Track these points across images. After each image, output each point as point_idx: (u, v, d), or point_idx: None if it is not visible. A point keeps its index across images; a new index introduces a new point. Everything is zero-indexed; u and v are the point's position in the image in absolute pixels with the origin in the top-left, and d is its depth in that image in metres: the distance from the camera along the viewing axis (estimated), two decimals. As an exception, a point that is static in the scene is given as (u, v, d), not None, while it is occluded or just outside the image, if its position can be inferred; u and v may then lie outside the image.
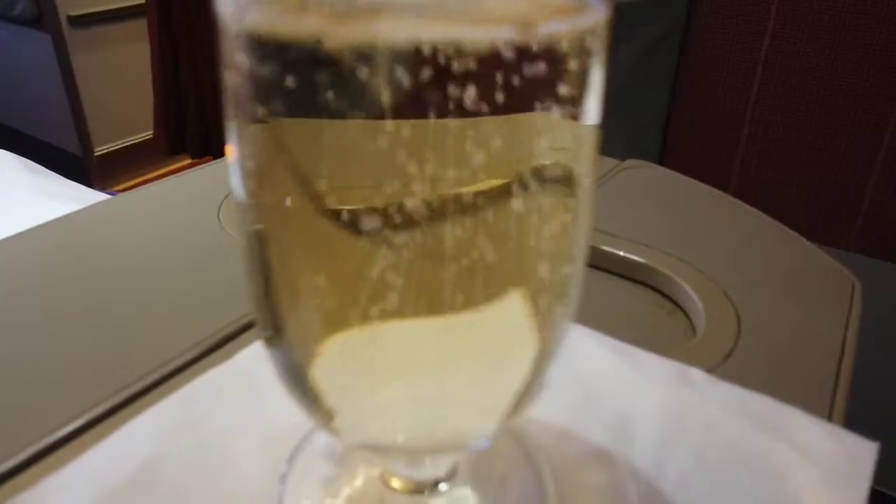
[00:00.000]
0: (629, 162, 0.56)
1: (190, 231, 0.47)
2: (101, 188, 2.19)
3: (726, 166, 1.21)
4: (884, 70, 1.03)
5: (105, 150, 2.34)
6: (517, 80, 0.16)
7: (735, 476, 0.28)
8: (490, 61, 0.15)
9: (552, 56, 0.16)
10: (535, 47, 0.16)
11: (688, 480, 0.28)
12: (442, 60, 0.15)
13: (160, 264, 0.43)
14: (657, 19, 1.16)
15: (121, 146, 2.37)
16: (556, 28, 0.16)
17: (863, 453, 0.29)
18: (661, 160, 1.25)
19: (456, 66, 0.15)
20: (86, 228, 0.47)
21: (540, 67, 0.16)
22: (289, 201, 0.18)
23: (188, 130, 1.86)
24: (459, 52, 0.15)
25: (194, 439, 0.29)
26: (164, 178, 0.56)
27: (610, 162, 0.56)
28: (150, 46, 1.73)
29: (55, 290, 0.40)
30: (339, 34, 0.15)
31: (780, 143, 1.15)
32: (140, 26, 2.26)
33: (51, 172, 0.96)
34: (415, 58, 0.15)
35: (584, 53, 0.17)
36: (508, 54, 0.15)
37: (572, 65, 0.17)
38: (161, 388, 0.33)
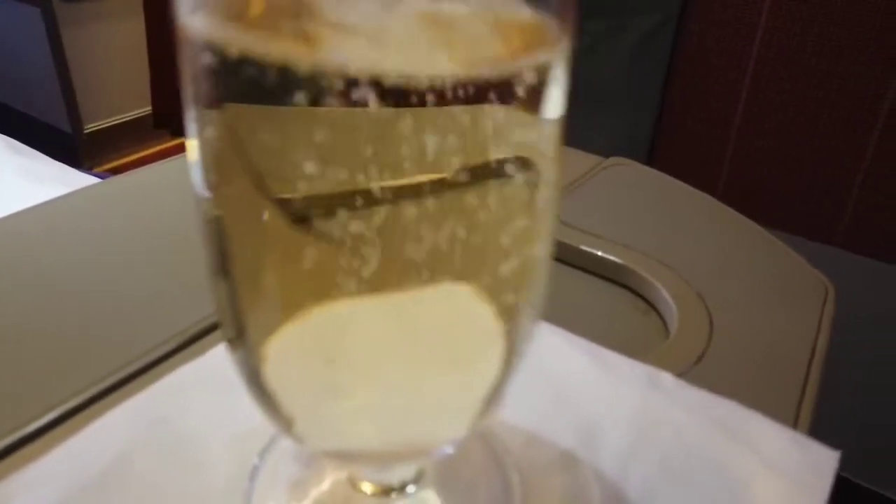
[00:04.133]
0: (612, 160, 0.56)
1: (169, 221, 0.47)
2: (91, 166, 2.18)
3: (717, 160, 1.21)
4: (875, 65, 1.03)
5: (95, 128, 2.32)
6: (474, 99, 0.16)
7: (698, 482, 0.29)
8: (445, 92, 0.15)
9: (510, 84, 0.16)
10: (492, 80, 0.16)
11: (652, 485, 0.29)
12: (397, 88, 0.15)
13: (137, 255, 0.43)
14: (652, 8, 1.15)
15: (111, 124, 2.35)
16: (514, 66, 0.16)
17: (824, 462, 0.29)
18: (652, 153, 1.25)
19: (412, 92, 0.15)
20: (62, 217, 0.47)
21: (499, 88, 0.16)
22: (240, 191, 0.18)
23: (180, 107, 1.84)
24: (416, 85, 0.15)
25: (166, 435, 0.29)
26: (148, 165, 0.55)
27: (593, 159, 0.56)
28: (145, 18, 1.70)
29: (26, 279, 0.40)
30: (295, 57, 0.15)
31: (771, 139, 1.15)
32: (131, 0, 2.23)
33: (37, 153, 0.95)
34: (371, 84, 0.15)
35: (542, 82, 0.17)
36: (461, 89, 0.15)
37: (531, 86, 0.17)
38: (135, 383, 0.33)
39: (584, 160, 0.56)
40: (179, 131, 1.78)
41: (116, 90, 2.33)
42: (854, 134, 1.08)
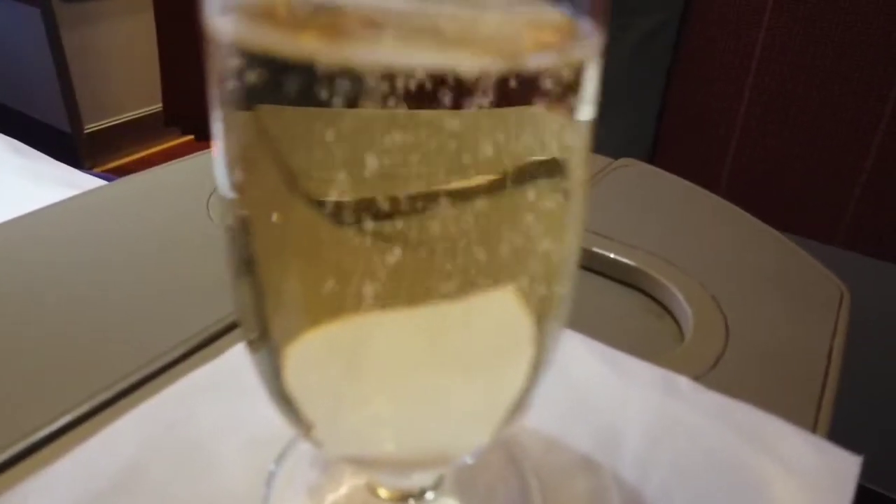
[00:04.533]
0: (622, 161, 0.56)
1: (178, 223, 0.46)
2: (91, 166, 2.18)
3: (719, 160, 1.21)
4: (879, 65, 1.03)
5: (95, 128, 2.31)
6: (505, 97, 0.16)
7: (716, 487, 0.29)
8: (479, 85, 0.15)
9: (541, 80, 0.16)
10: (524, 74, 0.16)
11: (670, 490, 0.28)
12: (429, 84, 0.15)
13: (147, 257, 0.43)
14: (654, 8, 1.15)
15: (111, 123, 2.35)
16: (544, 61, 0.16)
17: (846, 467, 0.29)
18: (654, 153, 1.25)
19: (444, 88, 0.15)
20: (71, 219, 0.47)
21: (530, 87, 0.16)
22: (269, 192, 0.17)
23: (195, 105, 1.83)
24: (447, 79, 0.15)
25: (181, 440, 0.29)
26: (152, 168, 0.55)
27: (602, 160, 0.56)
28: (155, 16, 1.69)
29: (37, 283, 0.40)
30: (328, 56, 0.15)
31: (773, 138, 1.15)
32: (131, 1, 2.23)
33: (39, 153, 0.95)
34: (403, 80, 0.15)
35: (576, 77, 0.17)
36: (496, 86, 0.15)
37: (565, 83, 0.17)
38: (147, 387, 0.33)
39: (594, 161, 0.56)
40: (189, 129, 1.78)
41: (116, 90, 2.32)
42: (857, 134, 1.08)
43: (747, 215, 0.50)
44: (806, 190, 1.14)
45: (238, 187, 0.18)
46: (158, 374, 0.33)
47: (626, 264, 0.43)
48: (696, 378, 0.34)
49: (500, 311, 0.19)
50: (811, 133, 1.12)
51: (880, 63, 1.03)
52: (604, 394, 0.33)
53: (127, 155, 2.33)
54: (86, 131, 2.29)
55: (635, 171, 0.55)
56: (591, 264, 0.44)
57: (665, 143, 1.25)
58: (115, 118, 2.35)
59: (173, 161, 0.55)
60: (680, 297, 0.40)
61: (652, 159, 1.25)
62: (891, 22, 1.01)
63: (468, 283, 0.17)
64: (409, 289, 0.17)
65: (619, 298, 0.42)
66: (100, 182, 0.84)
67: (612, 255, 0.43)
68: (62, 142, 2.25)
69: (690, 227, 0.49)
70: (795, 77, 1.10)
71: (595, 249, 0.44)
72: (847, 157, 1.10)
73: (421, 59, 0.15)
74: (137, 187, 0.52)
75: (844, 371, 0.37)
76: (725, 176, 1.22)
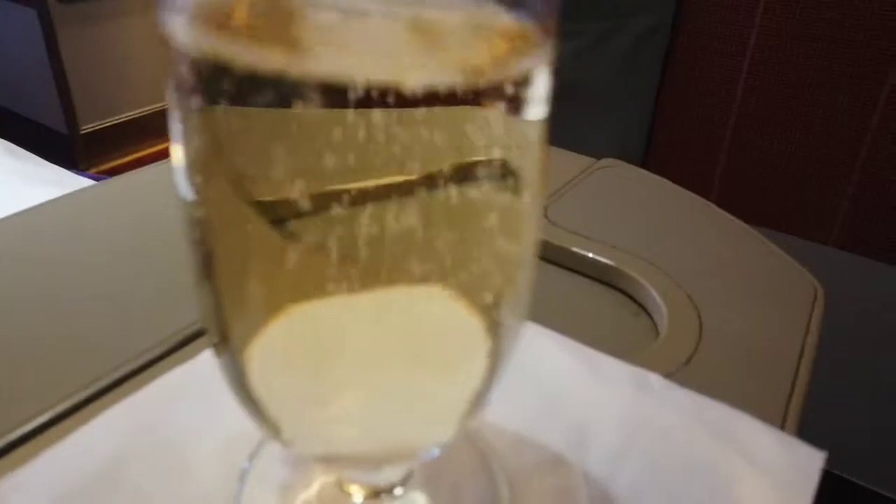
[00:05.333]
0: (604, 161, 0.57)
1: (165, 223, 0.47)
2: (87, 167, 2.18)
3: (711, 161, 1.21)
4: (869, 66, 1.04)
5: (91, 129, 2.31)
6: (458, 102, 0.16)
7: (685, 484, 0.29)
8: (430, 98, 0.16)
9: (491, 90, 0.17)
10: (475, 87, 0.16)
11: (640, 487, 0.29)
12: (376, 95, 0.15)
13: (128, 257, 0.43)
14: (648, 9, 1.16)
15: (107, 125, 2.35)
16: (498, 74, 0.16)
17: (810, 461, 0.29)
18: (646, 155, 1.25)
19: (391, 99, 0.15)
20: (58, 219, 0.47)
21: (481, 95, 0.16)
22: (221, 194, 0.18)
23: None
24: (400, 92, 0.15)
25: (155, 440, 0.29)
26: (141, 168, 0.55)
27: (585, 161, 0.57)
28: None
29: (16, 282, 0.40)
30: (273, 66, 0.15)
31: (766, 137, 1.15)
32: (127, 2, 2.23)
33: (33, 156, 0.96)
34: (355, 91, 0.15)
35: (527, 85, 0.17)
36: (447, 95, 0.16)
37: (516, 90, 0.17)
38: (123, 387, 0.33)
39: (576, 161, 0.56)
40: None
41: (112, 91, 2.32)
42: (848, 135, 1.08)
43: (726, 214, 0.51)
44: (798, 189, 1.14)
45: (194, 189, 0.18)
46: (136, 374, 0.34)
47: (602, 263, 0.43)
48: (669, 375, 0.34)
49: (452, 307, 0.19)
50: (802, 133, 1.13)
51: (870, 64, 1.04)
52: (575, 391, 0.33)
53: (123, 156, 2.33)
54: (82, 132, 2.29)
55: (616, 172, 0.56)
56: (568, 262, 0.44)
57: (658, 145, 1.26)
58: (111, 119, 2.35)
59: (163, 161, 0.56)
60: (656, 295, 0.41)
61: (644, 160, 1.25)
62: (880, 24, 1.01)
63: (420, 281, 0.18)
64: (362, 288, 0.18)
65: (597, 297, 0.43)
66: (91, 183, 0.84)
67: (589, 254, 0.44)
68: (58, 143, 2.26)
69: (669, 226, 0.49)
70: (787, 78, 1.11)
71: (572, 248, 0.44)
72: (838, 158, 1.11)
73: (367, 72, 0.15)
74: (125, 187, 0.52)
75: (823, 364, 0.38)
76: (718, 176, 1.22)
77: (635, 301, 0.42)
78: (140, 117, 2.38)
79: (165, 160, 0.56)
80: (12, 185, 0.80)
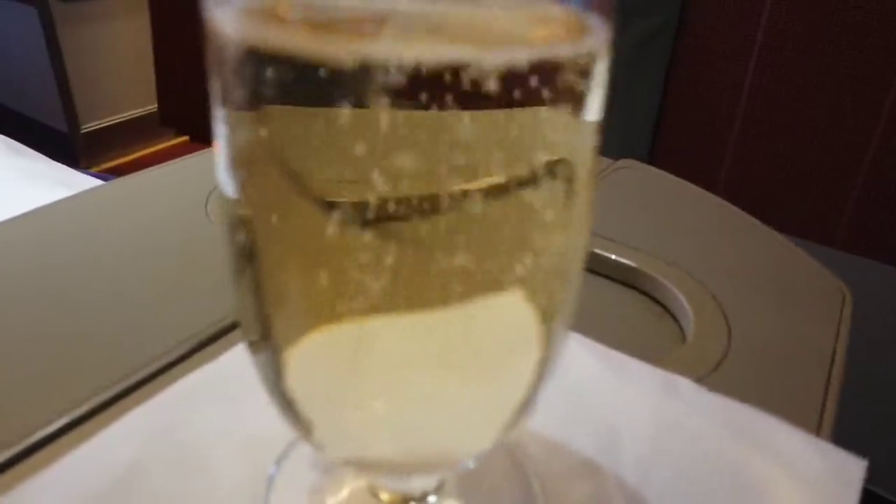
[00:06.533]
0: (622, 162, 0.56)
1: (177, 223, 0.46)
2: (88, 166, 2.17)
3: (717, 161, 1.21)
4: (876, 66, 1.03)
5: (92, 128, 2.31)
6: (515, 93, 0.15)
7: (718, 489, 0.28)
8: (489, 80, 0.15)
9: (552, 73, 0.16)
10: (540, 67, 0.15)
11: (672, 493, 0.28)
12: (440, 79, 0.14)
13: (145, 258, 0.42)
14: (653, 10, 1.15)
15: (108, 123, 2.34)
16: (556, 52, 0.16)
17: (851, 471, 0.29)
18: (652, 154, 1.25)
19: (455, 83, 0.15)
20: (68, 219, 0.46)
21: (543, 82, 0.16)
22: (274, 193, 0.17)
23: (190, 106, 1.82)
24: (458, 74, 0.14)
25: (179, 442, 0.29)
26: (150, 168, 0.54)
27: (603, 161, 0.56)
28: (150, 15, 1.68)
29: (34, 284, 0.40)
30: (340, 54, 0.14)
31: (771, 139, 1.15)
32: (128, 0, 2.23)
33: (36, 153, 0.95)
34: (413, 76, 0.14)
35: (587, 71, 0.17)
36: (505, 75, 0.15)
37: (574, 78, 0.16)
38: (145, 388, 0.32)
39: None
40: (185, 129, 1.77)
41: (113, 90, 2.32)
42: (855, 134, 1.08)
43: (748, 217, 0.50)
44: (804, 190, 1.14)
45: (240, 187, 0.18)
46: (156, 376, 0.33)
47: (627, 265, 0.43)
48: (698, 380, 0.33)
49: (505, 312, 0.18)
50: (809, 133, 1.12)
51: (878, 64, 1.03)
52: (605, 396, 0.32)
53: (123, 155, 2.33)
54: (82, 131, 2.28)
55: (635, 173, 0.55)
56: (592, 265, 0.43)
57: (663, 144, 1.25)
58: (111, 118, 2.35)
59: (171, 161, 0.55)
60: (681, 298, 0.40)
61: (650, 160, 1.25)
62: (889, 23, 1.01)
63: (473, 285, 0.17)
64: (413, 290, 0.17)
65: (621, 300, 0.42)
66: (96, 182, 0.83)
67: (613, 257, 0.43)
68: (59, 141, 2.25)
69: (691, 228, 0.49)
70: (793, 77, 1.10)
71: (596, 251, 0.43)
72: (845, 158, 1.10)
73: (436, 53, 0.14)
74: (136, 187, 0.51)
75: (847, 373, 0.37)
76: (723, 177, 1.22)
77: (660, 304, 0.42)
78: (141, 116, 2.37)
79: (177, 159, 0.55)
80: (17, 182, 0.79)
